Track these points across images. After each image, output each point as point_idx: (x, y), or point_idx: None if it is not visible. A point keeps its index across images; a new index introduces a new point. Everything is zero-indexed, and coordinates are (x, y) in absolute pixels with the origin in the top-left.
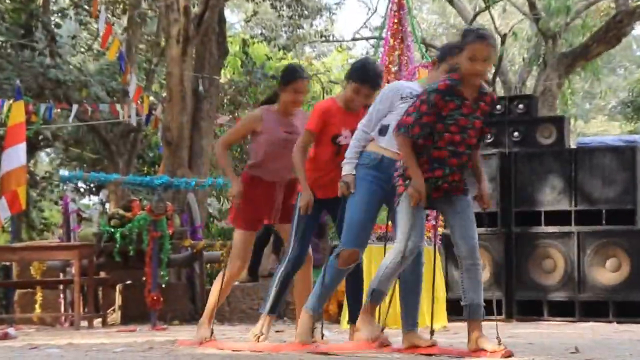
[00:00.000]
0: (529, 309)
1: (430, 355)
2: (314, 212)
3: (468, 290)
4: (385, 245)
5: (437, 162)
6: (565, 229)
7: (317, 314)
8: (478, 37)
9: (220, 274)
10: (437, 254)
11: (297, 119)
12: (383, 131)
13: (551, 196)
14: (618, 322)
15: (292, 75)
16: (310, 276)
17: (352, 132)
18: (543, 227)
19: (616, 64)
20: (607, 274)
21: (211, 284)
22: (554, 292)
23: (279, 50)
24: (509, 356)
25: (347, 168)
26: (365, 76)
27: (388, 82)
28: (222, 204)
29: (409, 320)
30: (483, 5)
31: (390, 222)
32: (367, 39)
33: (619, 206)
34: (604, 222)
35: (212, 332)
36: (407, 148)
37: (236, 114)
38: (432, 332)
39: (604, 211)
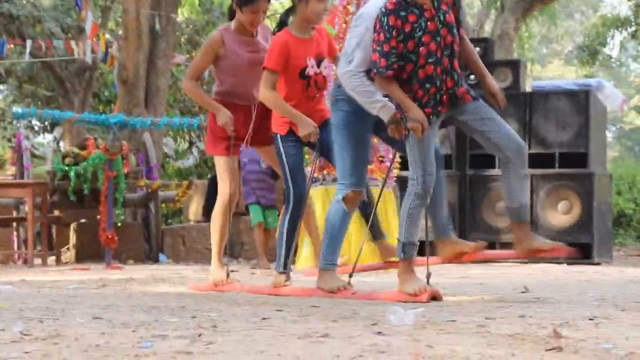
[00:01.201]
0: None
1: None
2: (298, 149)
3: (516, 192)
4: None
5: (427, 81)
6: None
7: (335, 266)
8: None
9: (216, 209)
10: (393, 196)
11: (258, 35)
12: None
13: None
14: (568, 264)
15: None
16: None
17: (316, 58)
18: (497, 170)
19: (573, 9)
20: (558, 216)
21: (167, 224)
22: (507, 233)
23: None
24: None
25: (389, 107)
26: None
27: (345, 22)
28: (179, 144)
29: (439, 228)
30: None
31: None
32: None
33: (572, 149)
34: (557, 165)
35: (227, 274)
36: (387, 85)
37: (193, 54)
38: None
39: (557, 154)
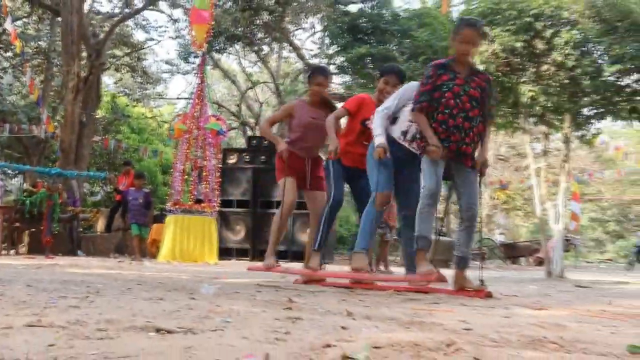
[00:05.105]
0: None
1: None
2: (340, 170)
3: (461, 244)
4: None
5: (441, 124)
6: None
7: (364, 250)
8: (468, 24)
9: (277, 212)
10: (214, 222)
11: (323, 108)
12: (394, 120)
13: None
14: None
15: (312, 73)
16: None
17: None
18: (274, 210)
19: None
20: (304, 235)
21: (84, 233)
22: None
23: (134, 101)
24: (489, 296)
25: (380, 139)
26: (392, 68)
27: (193, 122)
28: (93, 187)
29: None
30: (250, 84)
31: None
32: (185, 98)
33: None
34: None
35: (277, 261)
36: (420, 118)
37: (106, 136)
38: (481, 281)
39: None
